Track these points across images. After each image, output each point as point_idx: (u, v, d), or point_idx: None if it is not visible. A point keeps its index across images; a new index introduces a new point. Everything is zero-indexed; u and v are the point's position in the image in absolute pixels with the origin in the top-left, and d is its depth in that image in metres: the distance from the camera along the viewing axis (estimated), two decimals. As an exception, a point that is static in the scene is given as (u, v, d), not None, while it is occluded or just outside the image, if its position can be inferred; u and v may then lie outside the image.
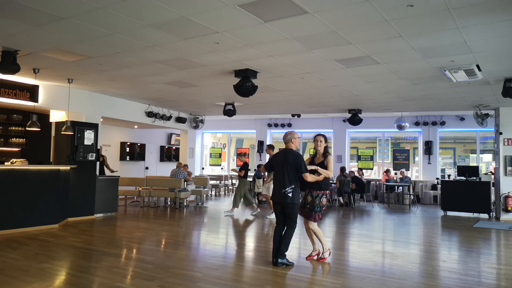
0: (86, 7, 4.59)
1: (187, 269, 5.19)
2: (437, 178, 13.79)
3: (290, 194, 5.15)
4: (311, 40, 5.62)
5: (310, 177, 5.27)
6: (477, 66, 6.68)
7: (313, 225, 5.52)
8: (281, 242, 5.20)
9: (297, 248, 6.71)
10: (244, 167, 10.96)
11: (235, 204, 10.64)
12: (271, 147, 10.19)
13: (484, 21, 4.75)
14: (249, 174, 11.22)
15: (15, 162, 8.42)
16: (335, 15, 4.70)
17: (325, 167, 5.46)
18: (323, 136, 5.72)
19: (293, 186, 5.17)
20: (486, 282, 4.86)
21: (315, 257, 5.61)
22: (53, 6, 4.59)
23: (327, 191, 5.52)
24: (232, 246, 6.86)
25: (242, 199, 10.84)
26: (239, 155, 11.76)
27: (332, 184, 12.71)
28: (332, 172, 5.55)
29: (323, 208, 5.48)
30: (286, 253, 5.24)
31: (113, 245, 6.53)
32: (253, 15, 4.73)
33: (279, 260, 5.15)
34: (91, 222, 8.58)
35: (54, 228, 7.69)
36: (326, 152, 5.62)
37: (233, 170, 11.48)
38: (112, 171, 11.53)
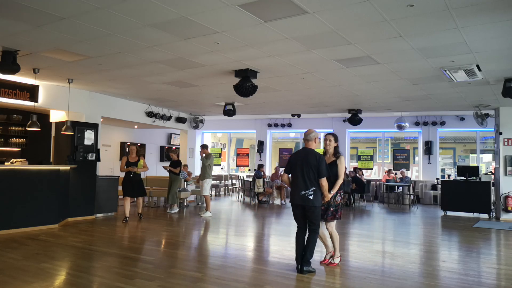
0: (86, 7, 4.59)
1: (187, 269, 5.19)
2: (437, 178, 13.79)
3: (311, 197, 4.87)
4: (311, 40, 5.62)
5: (325, 183, 4.95)
6: (477, 66, 6.68)
7: (331, 227, 5.30)
8: (305, 249, 4.93)
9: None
10: (179, 164, 10.75)
11: (174, 202, 10.60)
12: (204, 146, 10.09)
13: (484, 21, 4.75)
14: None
15: (15, 162, 8.42)
16: (335, 15, 4.70)
17: (336, 167, 5.23)
18: (333, 135, 5.46)
19: (314, 188, 4.89)
20: (486, 282, 4.86)
21: (330, 260, 5.38)
22: (53, 6, 4.59)
23: (341, 190, 5.33)
24: (232, 246, 6.86)
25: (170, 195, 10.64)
26: (172, 151, 11.19)
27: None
28: (343, 174, 5.27)
29: (338, 207, 5.26)
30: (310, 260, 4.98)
31: (113, 245, 6.52)
32: (253, 15, 4.74)
33: (305, 268, 4.88)
34: (91, 222, 8.58)
35: (54, 228, 7.69)
36: (337, 152, 5.38)
37: (168, 168, 10.73)
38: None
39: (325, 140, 5.43)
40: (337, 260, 5.35)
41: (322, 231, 5.34)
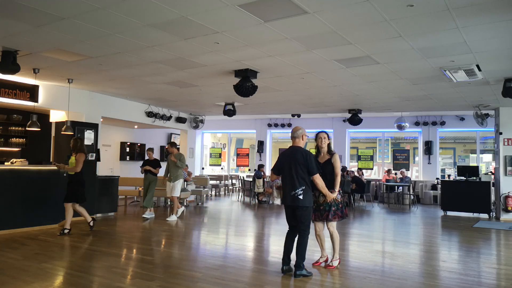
0: (86, 7, 4.59)
1: (187, 269, 5.19)
2: (437, 178, 13.79)
3: (301, 197, 4.69)
4: (311, 40, 5.62)
5: (320, 181, 4.82)
6: (477, 66, 6.68)
7: (333, 227, 5.17)
8: (296, 253, 4.75)
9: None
10: (159, 164, 9.77)
11: (147, 205, 9.50)
12: (174, 145, 9.47)
13: (484, 21, 4.75)
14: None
15: (15, 162, 8.41)
16: (335, 15, 4.70)
17: (331, 165, 5.17)
18: (326, 133, 5.39)
19: (303, 188, 4.71)
20: (486, 282, 4.86)
21: (322, 264, 5.32)
22: (53, 6, 4.59)
23: (339, 189, 5.22)
24: (232, 246, 6.85)
25: (144, 198, 9.59)
26: (149, 149, 9.97)
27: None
28: (340, 171, 5.19)
29: (341, 205, 5.15)
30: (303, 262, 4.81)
31: (113, 245, 6.52)
32: (253, 15, 4.74)
33: (297, 272, 4.70)
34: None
35: (54, 228, 7.68)
36: (330, 150, 5.33)
37: (146, 168, 9.57)
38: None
39: (319, 138, 5.33)
40: (335, 262, 5.23)
41: (321, 232, 5.30)
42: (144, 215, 9.33)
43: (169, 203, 9.50)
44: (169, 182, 9.23)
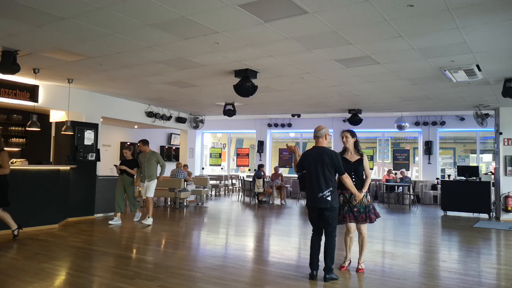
0: (86, 7, 4.59)
1: (187, 269, 5.19)
2: (437, 178, 13.78)
3: (329, 198, 4.60)
4: (311, 40, 5.62)
5: (349, 180, 4.77)
6: (477, 66, 6.68)
7: (365, 229, 5.15)
8: (325, 255, 4.66)
9: (297, 248, 6.72)
10: (137, 164, 8.73)
11: (134, 208, 8.95)
12: (145, 142, 8.67)
13: (484, 21, 4.75)
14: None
15: (15, 162, 8.40)
16: (335, 15, 4.70)
17: (362, 165, 5.07)
18: (349, 131, 5.22)
19: (331, 189, 4.62)
20: (486, 282, 4.86)
21: (349, 268, 5.19)
22: (53, 6, 4.59)
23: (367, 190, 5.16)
24: (232, 246, 6.85)
25: (118, 200, 8.67)
26: (126, 147, 9.09)
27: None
28: (370, 173, 5.12)
29: (371, 207, 5.10)
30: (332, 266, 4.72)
31: (113, 245, 6.52)
32: (253, 15, 4.74)
33: (327, 276, 4.61)
34: (91, 222, 8.58)
35: (54, 228, 7.69)
36: (359, 149, 5.16)
37: (121, 168, 8.73)
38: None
39: (342, 137, 5.21)
40: (363, 265, 5.15)
41: (353, 234, 5.20)
42: (110, 222, 8.39)
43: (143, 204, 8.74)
44: (142, 182, 8.56)
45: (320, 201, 4.63)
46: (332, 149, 5.41)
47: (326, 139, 4.83)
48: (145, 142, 8.72)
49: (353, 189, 4.86)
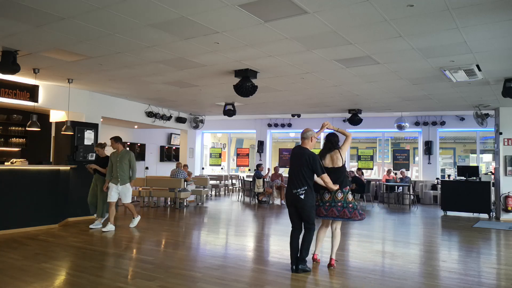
0: (86, 7, 4.59)
1: (187, 269, 5.19)
2: (437, 178, 13.79)
3: (302, 196, 4.89)
4: (311, 40, 5.62)
5: (328, 179, 5.01)
6: (477, 66, 6.68)
7: (338, 226, 5.31)
8: (301, 247, 4.96)
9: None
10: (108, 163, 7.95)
11: (101, 214, 8.12)
12: (118, 139, 7.78)
13: (484, 21, 4.75)
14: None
15: (15, 162, 8.41)
16: (335, 15, 4.70)
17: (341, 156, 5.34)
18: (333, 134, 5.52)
19: (305, 188, 4.91)
20: (486, 282, 4.86)
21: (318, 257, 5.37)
22: (53, 6, 4.59)
23: (347, 187, 5.26)
24: (232, 246, 6.86)
25: (91, 203, 8.25)
26: (98, 145, 8.38)
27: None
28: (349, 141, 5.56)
29: (350, 205, 5.17)
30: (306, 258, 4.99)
31: (113, 245, 6.52)
32: (253, 15, 4.74)
33: (300, 267, 4.91)
34: (91, 222, 8.56)
35: (54, 228, 7.69)
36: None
37: (92, 167, 8.20)
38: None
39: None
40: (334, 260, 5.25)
41: (325, 229, 5.36)
42: (91, 226, 7.87)
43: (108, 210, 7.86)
44: (113, 184, 7.58)
45: (294, 197, 4.96)
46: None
47: (311, 141, 5.15)
48: (117, 139, 7.76)
49: (330, 184, 5.06)
